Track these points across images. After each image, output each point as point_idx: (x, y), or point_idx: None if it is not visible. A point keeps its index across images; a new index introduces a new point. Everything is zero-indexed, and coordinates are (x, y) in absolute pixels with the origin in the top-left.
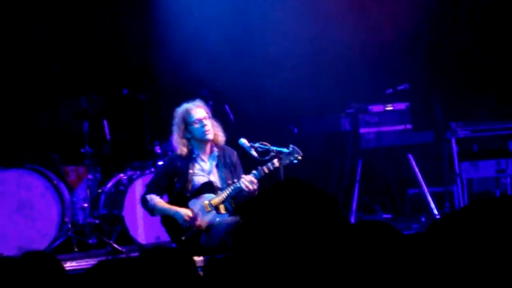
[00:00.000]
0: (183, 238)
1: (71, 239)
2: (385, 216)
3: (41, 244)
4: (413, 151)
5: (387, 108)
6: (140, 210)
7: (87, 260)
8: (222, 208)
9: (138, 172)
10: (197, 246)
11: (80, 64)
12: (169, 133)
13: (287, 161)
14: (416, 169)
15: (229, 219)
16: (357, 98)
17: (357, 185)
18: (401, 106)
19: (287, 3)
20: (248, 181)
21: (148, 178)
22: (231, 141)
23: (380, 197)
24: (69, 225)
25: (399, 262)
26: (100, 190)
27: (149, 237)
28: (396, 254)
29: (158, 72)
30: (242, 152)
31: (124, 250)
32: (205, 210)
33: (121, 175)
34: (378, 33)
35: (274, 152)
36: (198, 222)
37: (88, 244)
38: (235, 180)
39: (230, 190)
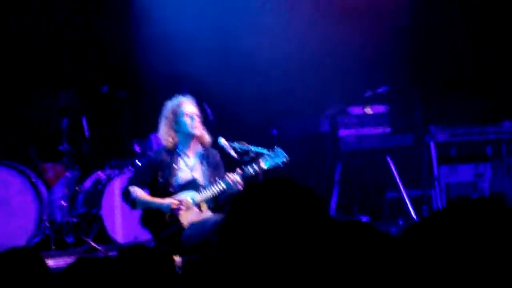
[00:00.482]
0: (162, 235)
1: (49, 237)
2: (363, 218)
3: (19, 241)
4: (392, 153)
5: (366, 111)
6: (118, 210)
7: (64, 258)
8: (204, 206)
9: (117, 171)
10: (178, 244)
11: (60, 60)
12: (148, 131)
13: (273, 163)
14: (395, 172)
15: (211, 217)
16: (337, 100)
17: (336, 187)
18: (381, 108)
19: (267, 4)
20: (234, 180)
21: (126, 176)
22: (210, 140)
23: (358, 199)
24: (47, 223)
25: (381, 261)
26: (78, 189)
27: (127, 236)
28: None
29: (138, 70)
30: (221, 152)
31: (102, 249)
32: (187, 207)
33: (100, 173)
34: (359, 35)
35: (253, 153)
36: (183, 208)
37: (66, 242)
38: (217, 180)
39: (215, 188)
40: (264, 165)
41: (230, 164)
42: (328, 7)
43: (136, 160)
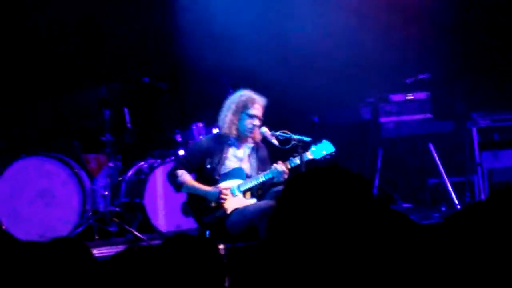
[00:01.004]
0: (206, 219)
1: (92, 227)
2: (405, 205)
3: (63, 231)
4: (434, 140)
5: (407, 97)
6: (161, 199)
7: (108, 247)
8: (248, 194)
9: (159, 161)
10: (221, 230)
11: (101, 52)
12: (190, 121)
13: (321, 155)
14: (437, 159)
15: (255, 204)
16: (378, 87)
17: (377, 174)
18: (422, 95)
19: None
20: (280, 170)
21: (169, 166)
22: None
23: (400, 187)
24: (90, 213)
25: (414, 251)
26: (120, 178)
27: (170, 225)
28: (411, 244)
29: (180, 61)
30: (265, 142)
31: (145, 238)
32: (233, 194)
33: (142, 163)
34: (400, 22)
35: (295, 141)
36: (228, 198)
37: (109, 232)
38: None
39: (261, 177)
40: (312, 156)
41: (275, 155)
42: None
43: (178, 150)
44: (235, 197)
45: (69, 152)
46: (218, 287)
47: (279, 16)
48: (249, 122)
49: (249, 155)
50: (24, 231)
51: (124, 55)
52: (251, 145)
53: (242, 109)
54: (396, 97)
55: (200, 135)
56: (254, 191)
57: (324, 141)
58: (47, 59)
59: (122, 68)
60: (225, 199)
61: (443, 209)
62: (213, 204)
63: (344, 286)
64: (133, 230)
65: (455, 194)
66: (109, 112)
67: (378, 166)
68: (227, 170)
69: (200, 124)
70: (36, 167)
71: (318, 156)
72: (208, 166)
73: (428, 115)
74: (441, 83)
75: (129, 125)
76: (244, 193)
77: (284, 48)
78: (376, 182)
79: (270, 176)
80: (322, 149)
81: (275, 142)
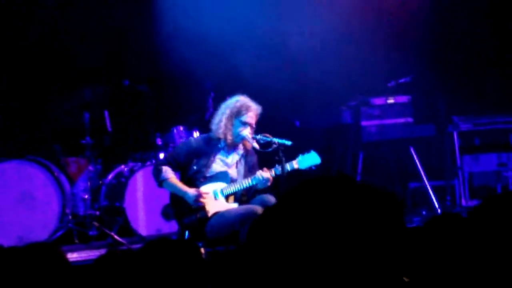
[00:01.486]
0: (186, 220)
1: (72, 231)
2: None
3: (42, 235)
4: (415, 144)
5: (389, 101)
6: (141, 202)
7: (87, 251)
8: (231, 199)
9: (139, 164)
10: (200, 232)
11: (82, 55)
12: (171, 124)
13: (307, 165)
14: (418, 162)
15: (236, 209)
16: (359, 90)
17: (358, 178)
18: (403, 99)
19: None
20: (265, 177)
21: (149, 169)
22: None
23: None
24: (70, 217)
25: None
26: (101, 182)
27: (150, 229)
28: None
29: (159, 64)
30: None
31: (125, 241)
32: (215, 197)
33: (122, 166)
34: (382, 26)
35: (276, 144)
36: (206, 201)
37: (89, 235)
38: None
39: (245, 183)
40: (297, 166)
41: (265, 164)
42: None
43: (158, 153)
44: (217, 201)
45: (49, 156)
46: None
47: (262, 19)
48: (241, 130)
49: (237, 162)
50: (3, 234)
51: (105, 57)
52: (241, 151)
53: (236, 115)
54: (378, 101)
55: (180, 138)
56: (238, 197)
57: (312, 152)
58: (27, 62)
59: (103, 71)
60: (202, 203)
61: (424, 213)
62: (193, 206)
63: None
64: (113, 234)
65: (435, 198)
66: (89, 115)
67: (359, 169)
68: (213, 173)
69: (181, 128)
70: (16, 171)
71: (303, 166)
72: (194, 167)
73: (409, 119)
74: (422, 87)
75: (109, 128)
76: (227, 197)
77: (265, 51)
78: None
79: (254, 182)
80: (309, 160)
81: (256, 145)
